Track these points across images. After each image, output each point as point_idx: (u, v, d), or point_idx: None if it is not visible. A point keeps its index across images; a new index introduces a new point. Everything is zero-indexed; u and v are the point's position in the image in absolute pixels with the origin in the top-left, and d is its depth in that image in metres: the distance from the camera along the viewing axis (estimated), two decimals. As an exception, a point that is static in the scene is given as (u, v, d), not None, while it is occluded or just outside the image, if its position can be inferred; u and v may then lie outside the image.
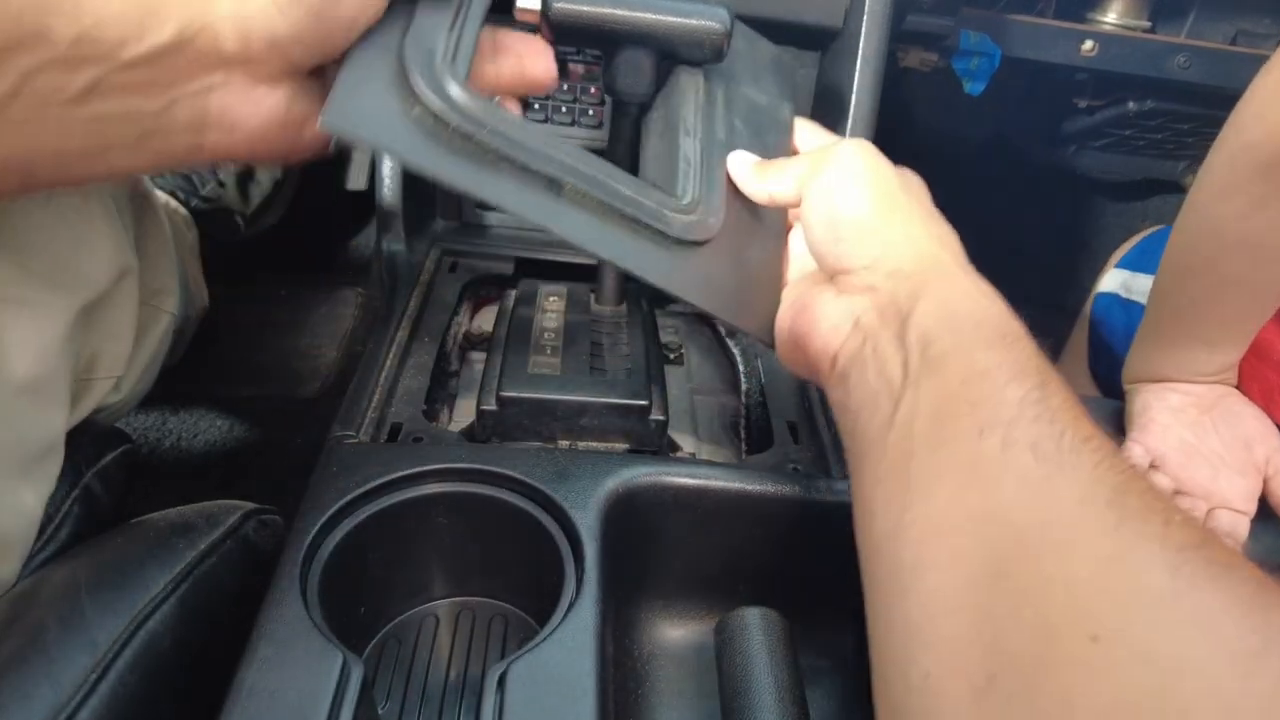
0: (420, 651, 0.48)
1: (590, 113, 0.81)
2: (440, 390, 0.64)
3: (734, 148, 0.52)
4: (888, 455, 0.33)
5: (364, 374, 0.56)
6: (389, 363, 0.57)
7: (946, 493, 0.30)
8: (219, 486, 1.04)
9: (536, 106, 0.80)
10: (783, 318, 0.47)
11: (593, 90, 0.80)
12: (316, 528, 0.42)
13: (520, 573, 0.50)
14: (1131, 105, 1.11)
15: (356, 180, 1.47)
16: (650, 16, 0.54)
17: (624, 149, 0.63)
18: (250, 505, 0.49)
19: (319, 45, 0.35)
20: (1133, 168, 1.35)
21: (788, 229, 0.52)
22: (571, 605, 0.41)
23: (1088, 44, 0.94)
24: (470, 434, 0.60)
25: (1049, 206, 1.56)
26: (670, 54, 0.58)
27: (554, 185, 0.43)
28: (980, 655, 0.26)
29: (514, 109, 0.47)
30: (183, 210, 1.08)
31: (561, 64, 0.79)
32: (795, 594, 0.54)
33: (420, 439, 0.51)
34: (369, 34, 0.39)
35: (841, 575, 0.56)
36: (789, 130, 0.55)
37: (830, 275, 0.42)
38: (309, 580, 0.40)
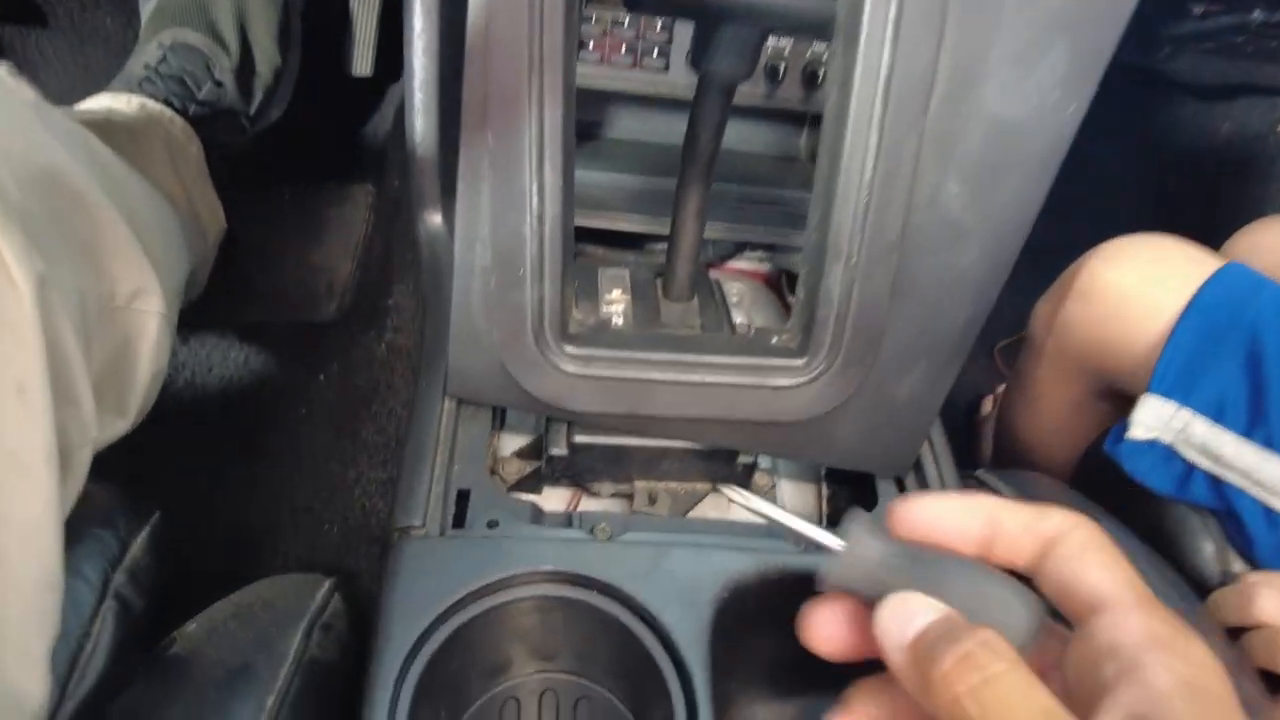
0: (504, 748, 0.45)
1: (655, 53, 0.68)
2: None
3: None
4: None
5: (417, 441, 0.49)
6: (444, 420, 0.51)
7: None
8: (243, 436, 0.99)
9: (591, 46, 0.67)
10: None
11: (658, 27, 0.68)
12: (395, 676, 0.38)
13: (611, 661, 0.46)
14: (1257, 14, 0.96)
15: (361, 65, 1.31)
16: None
17: (707, 142, 0.53)
18: (324, 584, 0.45)
19: None
20: (1232, 72, 1.21)
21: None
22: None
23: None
24: (537, 475, 0.54)
25: (1119, 109, 1.42)
26: (786, 31, 0.48)
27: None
28: None
29: None
30: (180, 120, 0.96)
31: None
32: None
33: (494, 523, 0.45)
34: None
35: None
36: None
37: None
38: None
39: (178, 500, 0.87)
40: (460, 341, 0.48)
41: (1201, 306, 0.54)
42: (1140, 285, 0.57)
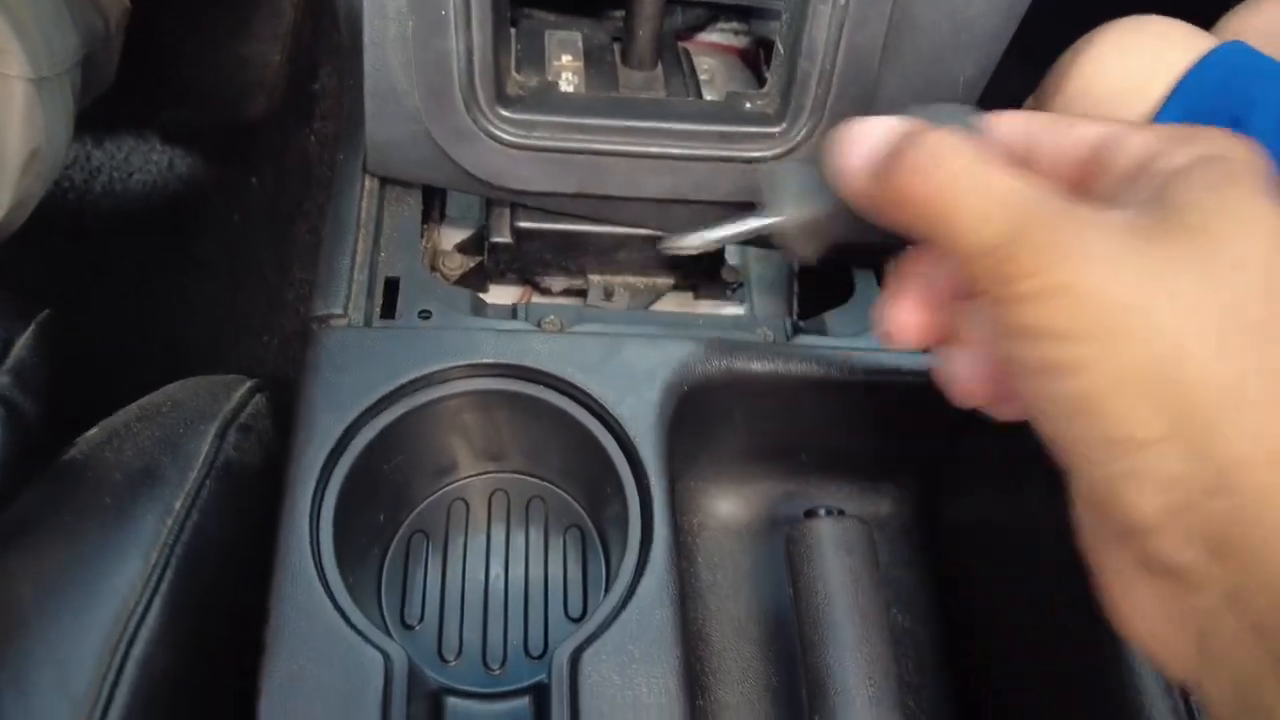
0: (452, 549, 0.42)
1: None
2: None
3: None
4: None
5: (335, 222, 0.42)
6: (365, 201, 0.44)
7: None
8: (172, 245, 0.91)
9: None
10: None
11: None
12: (316, 473, 0.34)
13: (562, 458, 0.43)
14: None
15: None
16: None
17: None
18: (244, 384, 0.41)
19: None
20: None
21: None
22: (640, 570, 0.34)
23: None
24: (482, 271, 0.49)
25: None
26: None
27: None
28: None
29: None
30: None
31: None
32: (858, 463, 0.49)
33: (427, 313, 0.40)
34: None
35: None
36: None
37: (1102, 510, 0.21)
38: (320, 546, 0.33)
39: (103, 317, 0.81)
40: (377, 105, 0.41)
41: (1187, 90, 0.50)
42: (1127, 74, 0.52)
